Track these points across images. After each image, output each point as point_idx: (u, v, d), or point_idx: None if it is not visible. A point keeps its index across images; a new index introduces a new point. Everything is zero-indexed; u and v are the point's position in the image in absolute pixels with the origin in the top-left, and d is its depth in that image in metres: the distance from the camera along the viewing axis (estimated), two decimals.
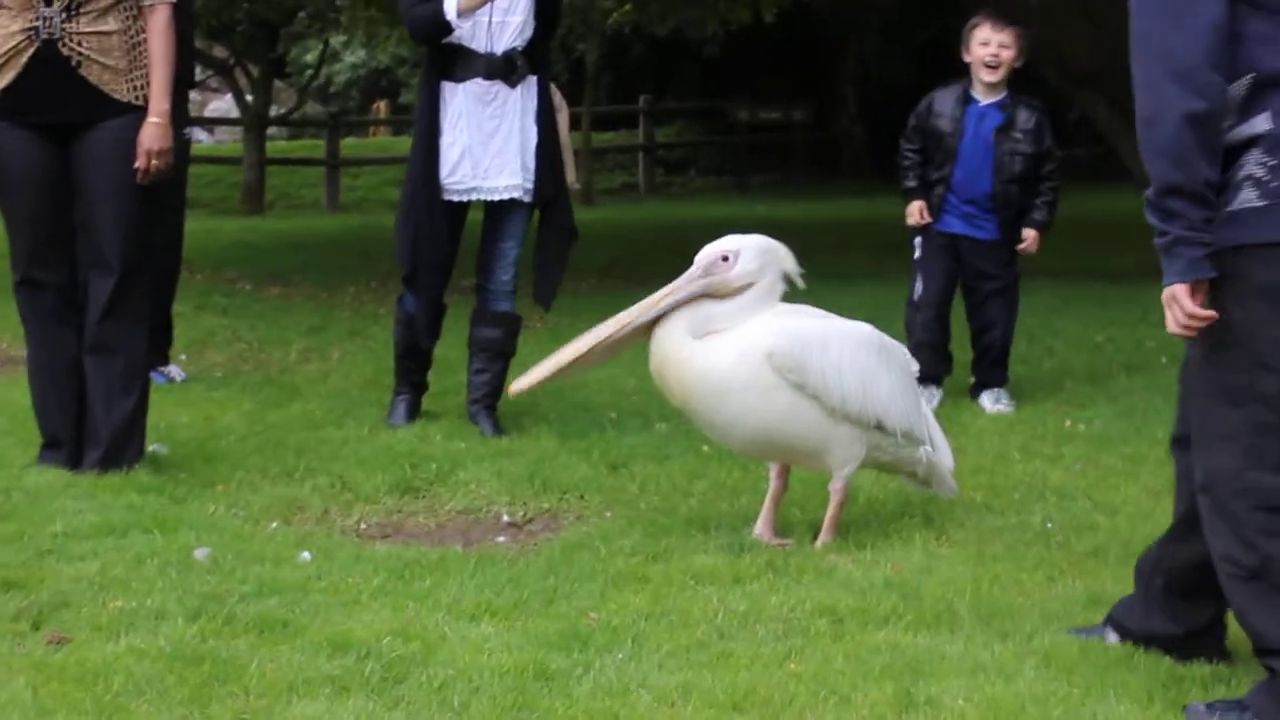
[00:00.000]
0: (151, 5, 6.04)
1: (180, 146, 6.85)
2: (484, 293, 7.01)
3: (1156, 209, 3.47)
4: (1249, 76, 3.43)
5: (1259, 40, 3.43)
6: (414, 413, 7.08)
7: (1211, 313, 3.47)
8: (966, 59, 7.50)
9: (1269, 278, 3.46)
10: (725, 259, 5.03)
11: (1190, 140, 3.38)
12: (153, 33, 6.05)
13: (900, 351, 5.35)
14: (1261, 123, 3.43)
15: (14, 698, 3.78)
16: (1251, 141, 3.45)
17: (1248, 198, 3.44)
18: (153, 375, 7.63)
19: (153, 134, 6.01)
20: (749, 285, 5.05)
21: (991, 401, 7.48)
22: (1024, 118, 7.45)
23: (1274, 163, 3.41)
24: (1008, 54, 7.40)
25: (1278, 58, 3.44)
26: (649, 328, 5.06)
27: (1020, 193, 7.45)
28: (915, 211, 7.49)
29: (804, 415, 5.05)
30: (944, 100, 7.51)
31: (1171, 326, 3.54)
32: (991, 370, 7.60)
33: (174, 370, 8.34)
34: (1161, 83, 3.39)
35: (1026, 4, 12.89)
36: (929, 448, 5.32)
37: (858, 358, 5.11)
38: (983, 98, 7.45)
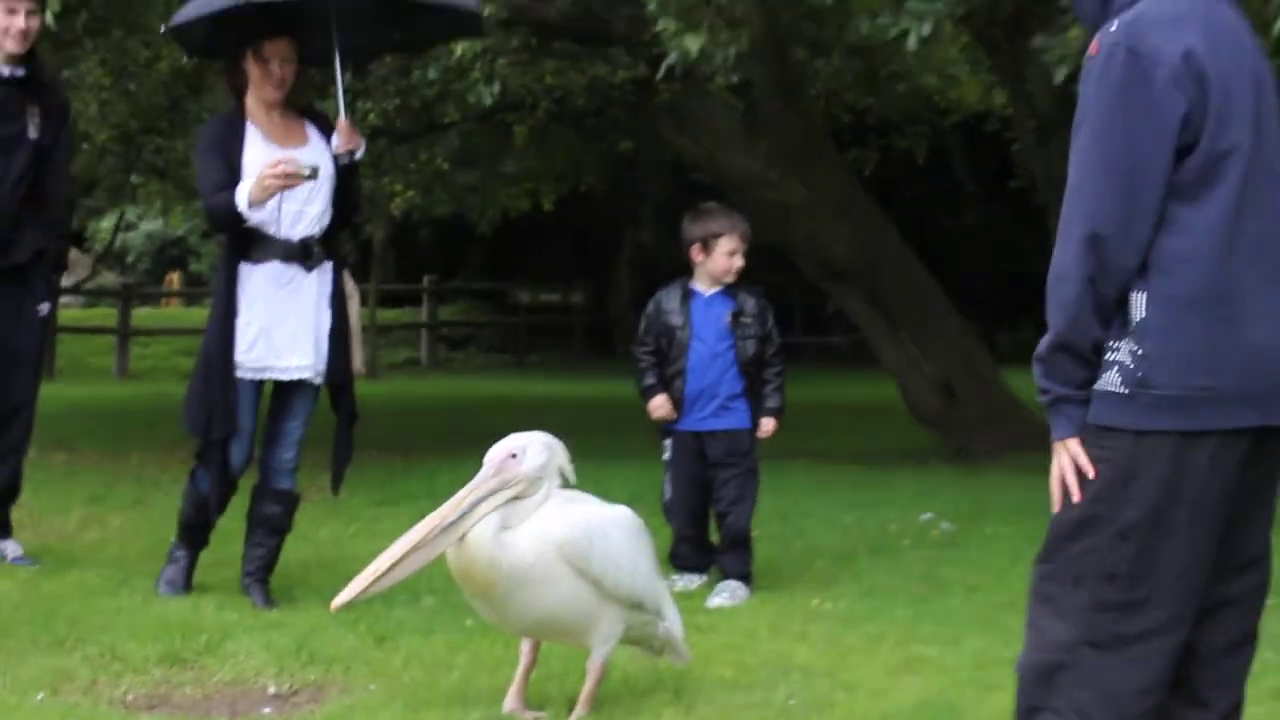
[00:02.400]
0: None
1: None
2: (266, 469, 6.93)
3: (1045, 364, 3.45)
4: None
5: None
6: (190, 580, 6.98)
7: (1087, 465, 3.43)
8: (698, 259, 7.47)
9: (1125, 461, 3.40)
10: (513, 456, 5.07)
11: (1089, 303, 3.37)
12: None
13: (647, 531, 5.44)
14: (1138, 308, 3.38)
15: None
16: (1125, 324, 3.39)
17: (1112, 381, 3.39)
18: None
19: None
20: (538, 478, 5.08)
21: (718, 597, 7.23)
22: (751, 306, 7.48)
23: (1141, 353, 3.36)
24: (741, 262, 7.47)
25: (1166, 240, 3.36)
26: (462, 529, 4.98)
27: (755, 377, 7.47)
28: (659, 405, 7.45)
29: (582, 599, 5.11)
30: (670, 298, 7.52)
31: (1055, 478, 3.48)
32: (731, 552, 7.45)
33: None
34: (1079, 246, 3.36)
35: (786, 204, 13.21)
36: (667, 621, 5.42)
37: (625, 544, 5.23)
38: (706, 290, 7.49)
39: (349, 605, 5.00)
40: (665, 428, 7.56)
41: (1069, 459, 3.45)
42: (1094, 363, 3.43)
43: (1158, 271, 3.35)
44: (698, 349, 7.44)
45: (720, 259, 7.45)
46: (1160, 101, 3.32)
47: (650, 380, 7.50)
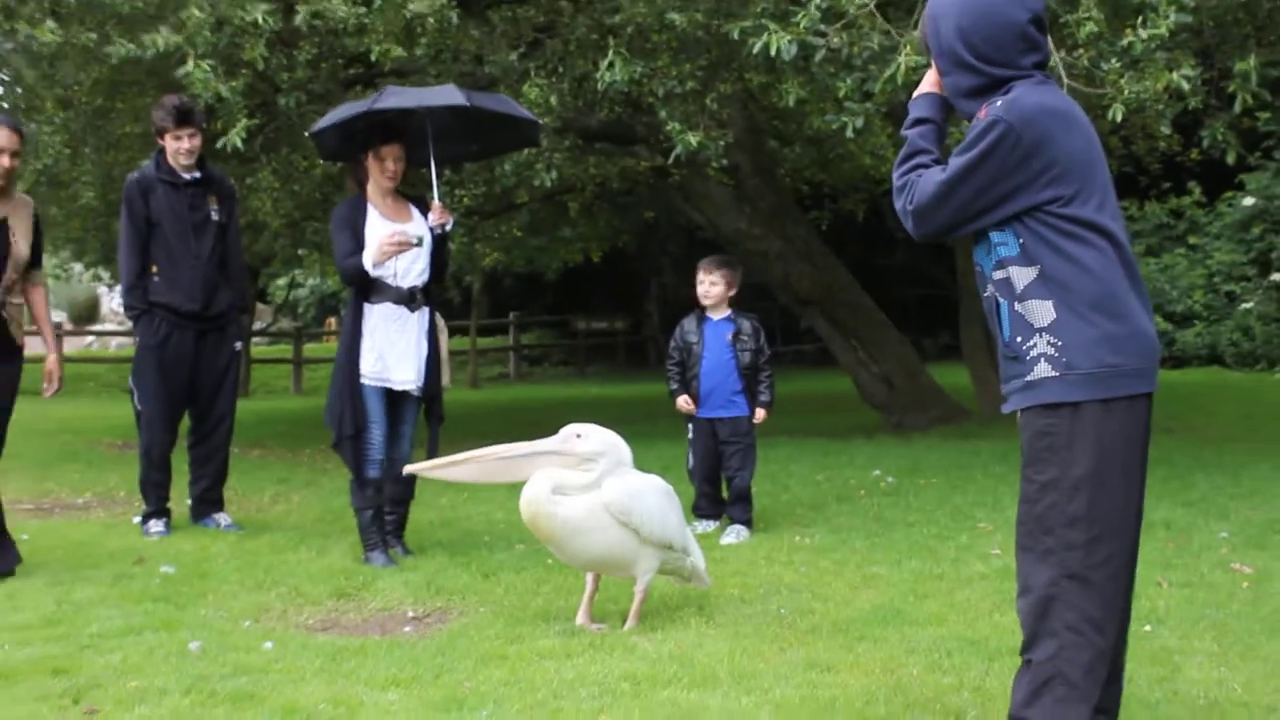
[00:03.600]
0: (35, 285, 6.60)
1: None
2: (390, 460, 6.76)
3: (909, 136, 3.51)
4: (1035, 268, 3.30)
5: (1045, 245, 3.30)
6: (389, 554, 6.67)
7: None
8: (697, 291, 7.50)
9: (1067, 432, 3.27)
10: (579, 435, 5.09)
11: (902, 179, 3.45)
12: (42, 302, 6.64)
13: (674, 492, 5.42)
14: (1048, 312, 3.29)
15: None
16: (1031, 326, 3.30)
17: (1043, 370, 3.28)
18: (205, 521, 7.66)
19: (57, 363, 6.68)
20: (591, 461, 5.07)
21: (727, 537, 7.21)
22: (747, 327, 7.46)
23: (1060, 343, 3.26)
24: (716, 289, 7.42)
25: (1048, 257, 3.29)
26: (519, 468, 5.05)
27: (751, 379, 7.44)
28: (683, 403, 7.47)
29: (626, 543, 5.11)
30: (689, 323, 7.53)
31: None
32: (737, 505, 7.44)
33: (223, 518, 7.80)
34: (913, 197, 3.38)
35: (767, 253, 13.18)
36: (693, 557, 5.42)
37: (660, 502, 5.21)
38: (715, 316, 7.49)
39: (416, 474, 5.36)
40: (687, 416, 7.56)
41: None
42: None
43: (1061, 286, 3.27)
44: (709, 358, 7.44)
45: (701, 287, 7.48)
46: (1015, 162, 3.27)
47: (675, 385, 7.53)
